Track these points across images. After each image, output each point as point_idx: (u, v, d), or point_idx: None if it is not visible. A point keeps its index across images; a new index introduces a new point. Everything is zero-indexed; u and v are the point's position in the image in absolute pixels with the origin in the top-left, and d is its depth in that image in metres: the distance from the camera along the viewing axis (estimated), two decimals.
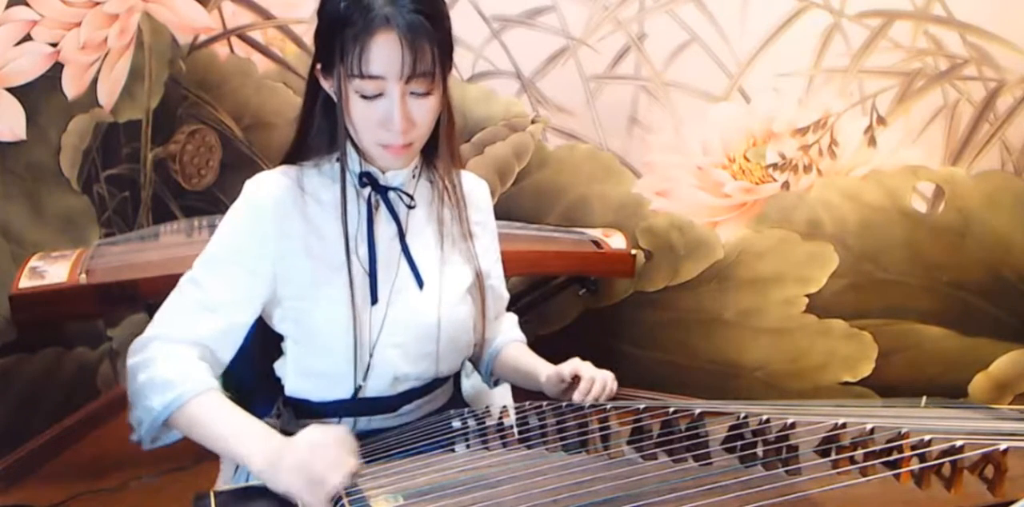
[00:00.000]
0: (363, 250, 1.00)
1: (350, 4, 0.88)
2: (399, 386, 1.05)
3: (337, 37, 0.88)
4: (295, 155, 1.03)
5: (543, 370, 1.06)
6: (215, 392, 0.90)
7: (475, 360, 1.20)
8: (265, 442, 0.84)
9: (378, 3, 0.87)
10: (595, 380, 0.99)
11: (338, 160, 1.00)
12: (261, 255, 0.97)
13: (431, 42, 0.88)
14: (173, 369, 0.90)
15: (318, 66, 0.95)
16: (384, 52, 0.87)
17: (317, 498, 0.75)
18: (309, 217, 0.99)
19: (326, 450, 0.79)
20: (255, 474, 0.83)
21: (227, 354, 0.98)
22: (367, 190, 1.01)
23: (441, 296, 1.04)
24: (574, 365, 1.02)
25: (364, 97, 0.90)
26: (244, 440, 0.85)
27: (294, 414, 1.08)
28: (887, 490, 0.73)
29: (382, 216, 1.03)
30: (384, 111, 0.90)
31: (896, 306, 2.07)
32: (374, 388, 1.03)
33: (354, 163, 1.00)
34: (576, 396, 0.98)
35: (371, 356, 1.00)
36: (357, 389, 1.02)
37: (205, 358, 0.94)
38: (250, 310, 0.98)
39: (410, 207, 1.04)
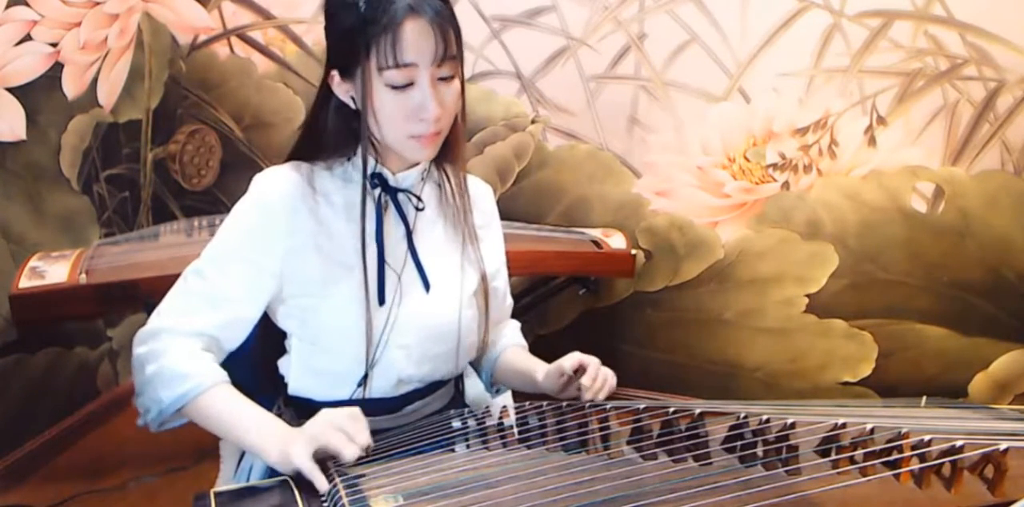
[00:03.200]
0: (372, 251, 1.00)
1: (368, 4, 0.89)
2: (402, 388, 1.06)
3: (360, 36, 0.89)
4: (303, 156, 1.03)
5: (540, 368, 1.06)
6: (225, 385, 0.93)
7: (476, 366, 1.20)
8: (276, 432, 0.88)
9: None
10: (600, 371, 1.01)
11: (350, 160, 1.01)
12: (268, 250, 0.97)
13: (452, 25, 0.91)
14: (182, 363, 0.93)
15: (333, 73, 0.95)
16: (416, 38, 0.88)
17: (341, 441, 0.84)
18: (319, 216, 0.99)
19: (343, 418, 0.87)
20: (270, 462, 0.86)
21: (232, 344, 1.00)
22: (377, 191, 1.02)
23: (447, 298, 1.05)
24: (577, 357, 1.02)
25: (394, 89, 0.91)
26: (256, 431, 0.89)
27: (295, 414, 1.08)
28: (887, 490, 0.73)
29: (391, 217, 1.03)
30: (417, 100, 0.91)
31: (896, 306, 2.07)
32: (378, 389, 1.03)
33: (367, 165, 1.01)
34: (585, 380, 0.99)
35: (377, 357, 1.00)
36: (362, 387, 1.02)
37: (210, 348, 0.97)
38: (256, 305, 0.99)
39: (419, 209, 1.04)
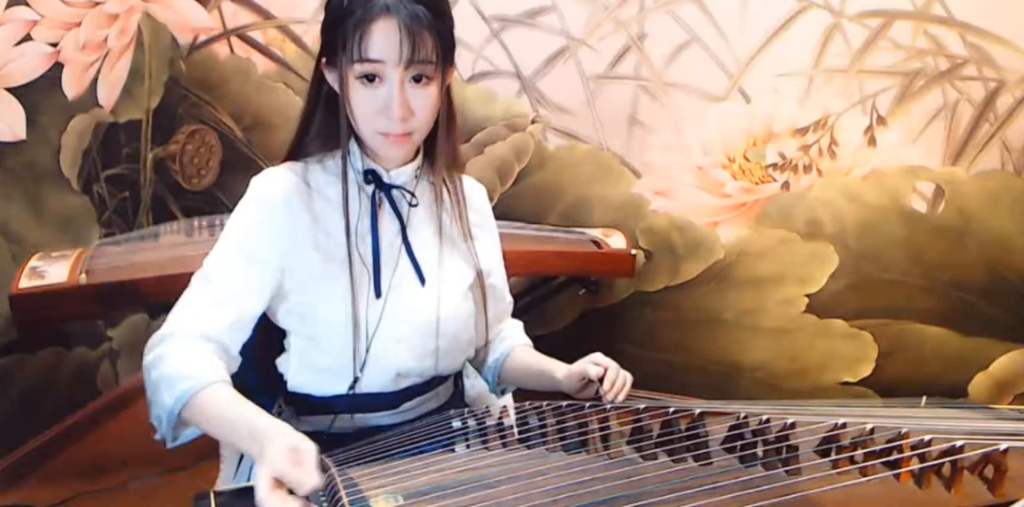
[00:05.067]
0: (366, 246, 1.02)
1: None
2: (401, 382, 1.06)
3: (339, 27, 0.91)
4: (298, 151, 1.05)
5: (559, 368, 1.08)
6: (223, 384, 0.91)
7: (479, 366, 1.20)
8: (267, 435, 0.81)
9: None
10: (619, 374, 1.03)
11: (344, 157, 1.02)
12: (269, 248, 0.98)
13: (431, 31, 0.91)
14: (183, 364, 0.91)
15: (323, 60, 0.98)
16: (383, 37, 0.90)
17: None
18: (315, 212, 1.01)
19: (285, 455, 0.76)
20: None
21: (237, 347, 0.99)
22: (371, 187, 1.03)
23: (442, 292, 1.06)
24: (601, 363, 1.04)
25: (364, 83, 0.92)
26: (248, 433, 0.84)
27: (295, 411, 1.09)
28: (887, 490, 0.73)
29: (385, 213, 1.04)
30: (384, 98, 0.93)
31: (896, 306, 2.06)
32: (375, 383, 1.04)
33: (358, 160, 1.02)
34: (605, 384, 1.01)
35: (368, 350, 1.01)
36: (354, 382, 1.02)
37: (219, 354, 0.95)
38: (258, 301, 1.00)
39: (412, 205, 1.06)
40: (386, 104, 0.93)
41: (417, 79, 0.93)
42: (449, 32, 0.95)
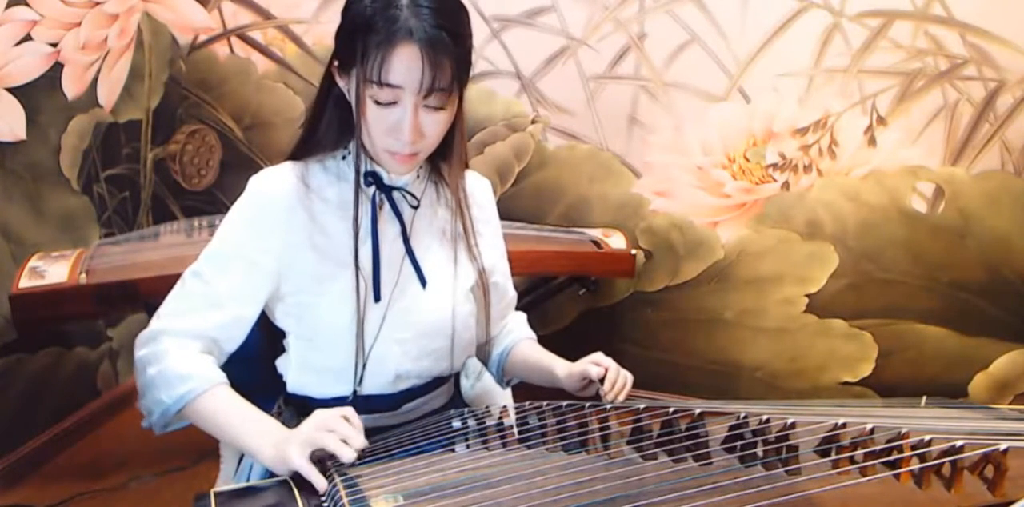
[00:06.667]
0: (366, 248, 1.01)
1: (376, 11, 0.88)
2: (400, 384, 1.06)
3: (359, 40, 0.88)
4: (303, 150, 1.03)
5: (560, 365, 1.08)
6: (224, 387, 0.94)
7: (484, 360, 1.21)
8: (272, 434, 0.88)
9: (403, 15, 0.87)
10: (619, 374, 1.03)
11: (344, 158, 1.02)
12: (265, 249, 0.98)
13: (451, 58, 0.88)
14: (182, 364, 0.93)
15: (335, 63, 0.96)
16: (404, 64, 0.87)
17: (335, 443, 0.83)
18: (314, 214, 1.00)
19: (336, 420, 0.86)
20: (266, 464, 0.86)
21: (232, 344, 1.00)
22: (372, 189, 1.02)
23: (443, 295, 1.05)
24: (602, 364, 1.04)
25: (378, 103, 0.91)
26: (253, 433, 0.89)
27: (295, 412, 1.09)
28: (887, 490, 0.73)
29: (386, 215, 1.03)
30: (396, 120, 0.91)
31: (896, 306, 2.06)
32: (375, 385, 1.04)
33: (360, 162, 1.01)
34: (606, 386, 1.01)
35: (369, 352, 1.01)
36: (357, 384, 1.02)
37: (210, 350, 0.97)
38: (254, 304, 1.00)
39: (414, 207, 1.05)
40: (398, 126, 0.91)
41: (432, 105, 0.91)
42: (467, 55, 0.92)
